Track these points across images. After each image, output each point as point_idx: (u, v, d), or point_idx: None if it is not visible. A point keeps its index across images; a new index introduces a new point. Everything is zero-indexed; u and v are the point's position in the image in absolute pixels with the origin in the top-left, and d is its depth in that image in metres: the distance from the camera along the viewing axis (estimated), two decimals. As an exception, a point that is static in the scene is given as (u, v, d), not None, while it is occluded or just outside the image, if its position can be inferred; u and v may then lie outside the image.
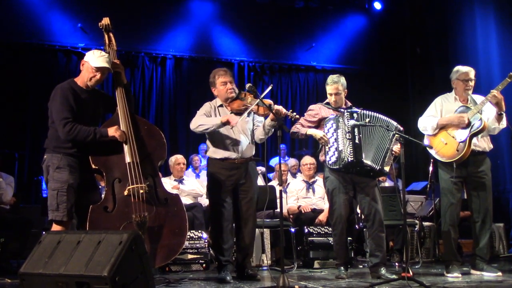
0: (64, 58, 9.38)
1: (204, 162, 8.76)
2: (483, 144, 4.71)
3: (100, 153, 3.92)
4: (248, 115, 4.53)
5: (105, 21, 4.20)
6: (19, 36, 8.93)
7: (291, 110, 4.37)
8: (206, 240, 5.43)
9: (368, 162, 4.40)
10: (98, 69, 3.91)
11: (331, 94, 4.65)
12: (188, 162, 7.93)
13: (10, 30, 8.82)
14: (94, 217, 3.78)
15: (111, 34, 4.22)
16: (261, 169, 7.07)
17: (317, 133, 4.59)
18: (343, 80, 4.66)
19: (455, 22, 9.37)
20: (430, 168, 6.22)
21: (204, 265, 5.33)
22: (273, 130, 4.43)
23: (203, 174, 8.20)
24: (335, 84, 4.61)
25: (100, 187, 4.44)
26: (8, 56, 8.85)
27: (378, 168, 4.42)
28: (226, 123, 4.32)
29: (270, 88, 4.61)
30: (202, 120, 4.46)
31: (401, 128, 4.50)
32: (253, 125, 4.63)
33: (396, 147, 4.43)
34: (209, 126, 4.39)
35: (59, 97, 3.84)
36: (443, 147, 4.66)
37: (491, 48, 8.52)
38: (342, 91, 4.65)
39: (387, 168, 4.51)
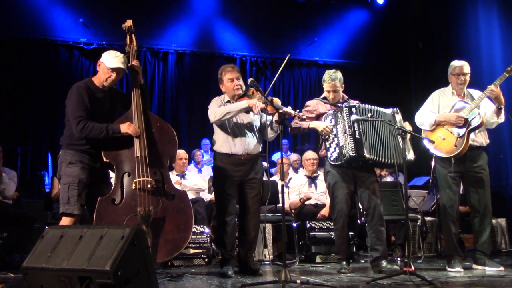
0: (66, 52, 9.39)
1: (206, 157, 8.76)
2: (480, 139, 4.70)
3: (112, 147, 4.03)
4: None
5: (128, 23, 4.33)
6: (21, 31, 8.94)
7: (297, 110, 4.38)
8: (208, 235, 5.45)
9: (369, 155, 4.38)
10: (113, 69, 4.05)
11: (329, 92, 4.67)
12: (190, 157, 7.93)
13: (12, 25, 8.82)
14: (101, 208, 3.89)
15: (133, 36, 4.35)
16: (263, 164, 7.04)
17: (319, 125, 4.57)
18: (340, 75, 4.66)
19: (458, 16, 9.32)
20: (433, 163, 6.19)
21: (206, 259, 5.34)
22: (281, 127, 4.43)
23: (205, 169, 8.21)
24: (333, 82, 4.63)
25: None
26: (10, 51, 8.86)
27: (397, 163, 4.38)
28: (251, 108, 4.28)
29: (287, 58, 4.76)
30: (226, 108, 4.39)
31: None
32: (261, 123, 4.62)
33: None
34: (235, 111, 4.34)
35: (74, 96, 3.98)
36: (441, 142, 4.65)
37: (494, 42, 8.48)
38: (340, 87, 4.67)
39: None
